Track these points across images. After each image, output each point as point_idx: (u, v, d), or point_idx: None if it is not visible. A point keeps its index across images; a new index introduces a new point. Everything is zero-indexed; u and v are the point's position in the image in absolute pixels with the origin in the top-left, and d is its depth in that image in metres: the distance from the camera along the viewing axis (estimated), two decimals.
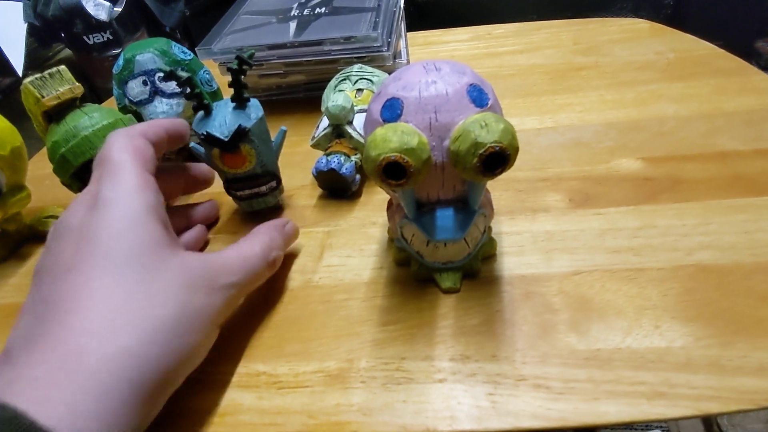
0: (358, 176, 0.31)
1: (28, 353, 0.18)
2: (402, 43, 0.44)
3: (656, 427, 0.87)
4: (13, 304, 0.29)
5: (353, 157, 0.31)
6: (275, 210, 0.32)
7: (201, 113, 0.27)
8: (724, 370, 0.20)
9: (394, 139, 0.19)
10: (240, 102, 0.27)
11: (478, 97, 0.20)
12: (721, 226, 0.26)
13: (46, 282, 0.20)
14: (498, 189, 0.30)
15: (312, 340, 0.24)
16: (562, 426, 0.19)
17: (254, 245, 0.24)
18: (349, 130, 0.31)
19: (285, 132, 0.30)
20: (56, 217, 0.33)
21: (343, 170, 0.30)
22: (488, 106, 0.21)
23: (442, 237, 0.22)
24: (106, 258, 0.20)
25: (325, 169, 0.30)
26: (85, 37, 0.90)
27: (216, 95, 0.36)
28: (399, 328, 0.24)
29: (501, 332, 0.23)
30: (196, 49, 0.38)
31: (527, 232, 0.27)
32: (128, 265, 0.20)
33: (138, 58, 0.30)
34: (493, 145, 0.18)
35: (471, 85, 0.21)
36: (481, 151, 0.18)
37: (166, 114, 0.31)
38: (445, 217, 0.22)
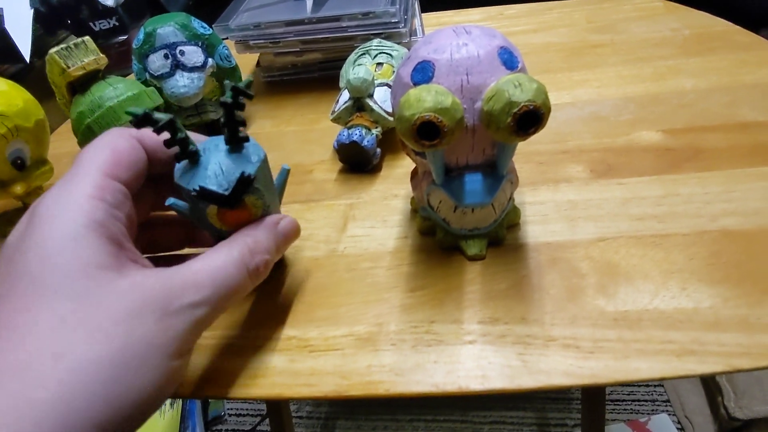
0: (378, 150, 0.32)
1: None
2: (417, 21, 0.44)
3: (663, 411, 0.88)
4: None
5: (374, 130, 0.31)
6: None
7: (185, 162, 0.21)
8: (753, 327, 0.20)
9: (429, 98, 0.19)
10: (236, 143, 0.21)
11: (509, 59, 0.21)
12: (745, 193, 0.26)
13: None
14: (519, 161, 0.30)
15: (340, 306, 0.24)
16: (593, 383, 0.19)
17: (231, 251, 0.20)
18: (370, 103, 0.31)
19: (288, 172, 0.25)
20: None
21: (365, 142, 0.30)
22: (518, 68, 0.21)
23: (471, 201, 0.23)
24: (33, 285, 0.17)
25: (347, 142, 0.30)
26: (90, 24, 0.89)
27: (234, 72, 0.36)
28: (426, 293, 0.24)
29: (529, 296, 0.23)
30: (212, 25, 0.38)
31: (550, 202, 0.28)
32: (58, 294, 0.16)
33: (159, 31, 0.31)
34: (527, 103, 0.18)
35: (502, 47, 0.21)
36: (515, 110, 0.19)
37: (187, 88, 0.31)
38: (473, 181, 0.23)
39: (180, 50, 0.31)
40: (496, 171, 0.23)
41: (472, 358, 0.21)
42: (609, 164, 0.29)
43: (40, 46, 0.91)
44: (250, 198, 0.21)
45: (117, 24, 0.93)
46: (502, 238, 0.25)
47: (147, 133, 0.20)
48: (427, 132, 0.19)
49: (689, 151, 0.29)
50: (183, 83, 0.31)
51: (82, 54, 0.27)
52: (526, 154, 0.31)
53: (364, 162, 0.31)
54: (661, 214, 0.26)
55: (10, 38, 0.80)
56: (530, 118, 0.19)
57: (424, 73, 0.21)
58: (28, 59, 0.77)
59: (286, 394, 0.21)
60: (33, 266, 0.17)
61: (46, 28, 0.92)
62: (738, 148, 0.29)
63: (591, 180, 0.29)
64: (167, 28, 0.31)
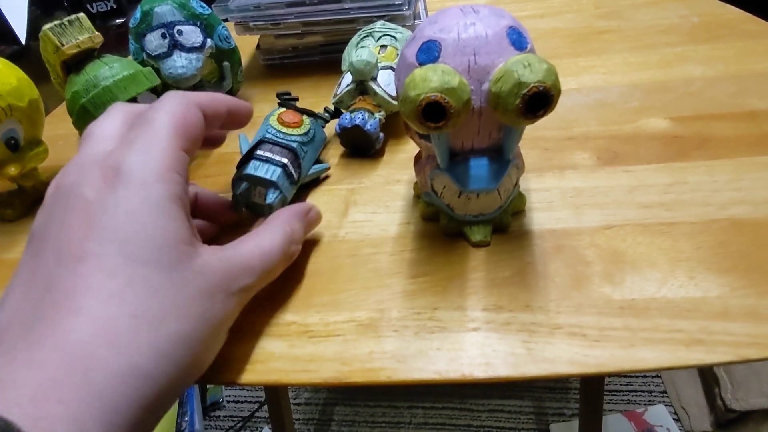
0: (381, 134, 0.31)
1: (26, 347, 0.15)
2: (420, 5, 0.43)
3: (659, 402, 0.88)
4: None
5: (377, 114, 0.30)
6: None
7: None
8: (762, 318, 0.20)
9: (435, 78, 0.18)
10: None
11: (518, 39, 0.20)
12: (754, 182, 0.25)
13: (48, 260, 0.17)
14: (524, 147, 0.30)
15: (341, 291, 0.23)
16: (599, 372, 0.19)
17: (275, 237, 0.21)
18: (373, 86, 0.30)
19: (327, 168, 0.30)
20: None
21: (368, 126, 0.29)
22: (527, 49, 0.20)
23: (476, 187, 0.22)
24: (121, 253, 0.17)
25: (349, 126, 0.30)
26: (87, 6, 0.88)
27: (234, 53, 0.35)
28: (429, 280, 0.23)
29: (534, 283, 0.22)
30: (212, 6, 0.37)
31: (556, 189, 0.27)
32: (146, 265, 0.17)
33: (156, 10, 0.30)
34: (537, 84, 0.18)
35: (510, 27, 0.20)
36: (524, 92, 0.18)
37: (185, 69, 0.30)
38: (479, 166, 0.22)
39: (178, 30, 0.30)
40: (502, 156, 0.22)
41: (475, 346, 0.20)
42: (615, 151, 0.29)
43: (36, 28, 0.90)
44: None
45: (114, 6, 0.91)
46: (506, 225, 0.25)
47: (207, 106, 0.21)
48: (433, 113, 0.19)
49: (697, 139, 0.29)
50: (181, 64, 0.30)
51: (76, 31, 0.26)
52: (531, 140, 0.31)
53: (366, 146, 0.31)
54: (668, 202, 0.25)
55: (5, 19, 0.78)
56: (540, 100, 0.18)
57: (429, 53, 0.20)
58: (23, 41, 0.76)
59: (285, 380, 0.20)
60: (124, 231, 0.17)
61: (43, 9, 0.91)
62: (746, 136, 0.28)
63: (597, 167, 0.28)
64: (164, 6, 0.30)
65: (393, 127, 0.33)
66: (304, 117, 0.28)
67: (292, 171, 0.26)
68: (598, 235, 0.24)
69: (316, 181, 0.30)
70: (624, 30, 0.41)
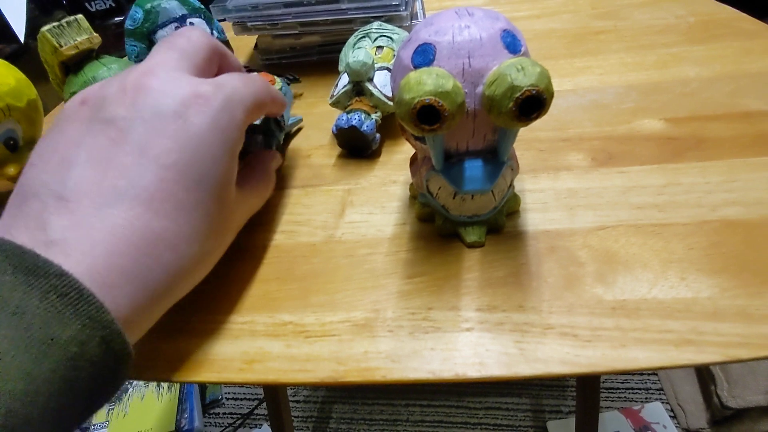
0: (378, 135, 0.31)
1: (99, 226, 0.18)
2: (418, 5, 0.43)
3: (656, 399, 0.89)
4: None
5: (374, 115, 0.31)
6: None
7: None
8: (752, 318, 0.20)
9: (429, 82, 0.18)
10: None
11: (512, 42, 0.20)
12: (747, 183, 0.26)
13: (129, 153, 0.19)
14: (519, 148, 0.30)
15: (337, 291, 0.24)
16: (590, 372, 0.19)
17: (270, 183, 0.27)
18: (370, 87, 0.30)
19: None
20: None
21: (364, 127, 0.30)
22: (521, 52, 0.20)
23: (471, 188, 0.22)
24: (199, 174, 0.20)
25: (346, 126, 0.30)
26: (86, 4, 0.88)
27: (228, 45, 0.35)
28: (424, 280, 0.24)
29: (527, 284, 0.23)
30: (210, 6, 0.37)
31: (550, 190, 0.27)
32: (210, 193, 0.20)
33: (164, 6, 0.30)
34: (529, 88, 0.18)
35: (505, 30, 0.20)
36: (517, 95, 0.18)
37: None
38: (473, 167, 0.22)
39: (189, 22, 0.31)
40: (496, 157, 0.23)
41: (469, 346, 0.21)
42: (610, 152, 0.29)
43: (35, 27, 0.90)
44: None
45: (113, 4, 0.91)
46: (501, 226, 0.25)
47: (263, 98, 0.24)
48: (428, 116, 0.19)
49: (691, 141, 0.29)
50: None
51: (74, 33, 0.26)
52: (526, 141, 0.31)
53: (363, 147, 0.31)
54: (661, 203, 0.25)
55: (4, 18, 0.78)
56: (533, 103, 0.18)
57: (425, 55, 0.20)
58: (22, 39, 0.76)
59: (282, 380, 0.21)
60: (203, 158, 0.20)
61: (42, 8, 0.91)
62: (741, 137, 0.29)
63: (591, 168, 0.28)
64: (172, 2, 0.30)
65: (389, 128, 0.33)
66: (275, 77, 0.32)
67: (279, 119, 0.30)
68: (591, 236, 0.24)
69: (313, 182, 0.30)
70: (620, 30, 0.42)
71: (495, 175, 0.22)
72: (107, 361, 0.17)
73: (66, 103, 0.21)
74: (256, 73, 0.26)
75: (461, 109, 0.19)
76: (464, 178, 0.22)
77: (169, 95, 0.20)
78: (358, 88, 0.31)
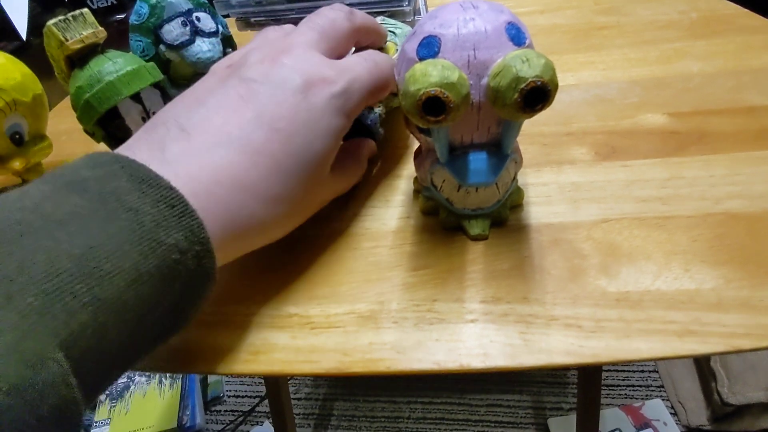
0: (381, 129, 0.31)
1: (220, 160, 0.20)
2: (420, 1, 0.43)
3: (656, 396, 0.89)
4: None
5: (377, 109, 0.31)
6: None
7: None
8: (756, 309, 0.20)
9: (435, 73, 0.18)
10: None
11: (517, 35, 0.20)
12: (750, 177, 0.26)
13: (261, 95, 0.21)
14: (523, 143, 0.30)
15: (342, 284, 0.24)
16: (594, 362, 0.20)
17: (362, 168, 0.28)
18: None
19: None
20: None
21: (368, 121, 0.30)
22: (526, 44, 0.20)
23: (475, 181, 0.22)
24: (297, 138, 0.21)
25: None
26: (88, 2, 0.88)
27: (232, 39, 0.35)
28: (429, 272, 0.24)
29: (531, 276, 0.23)
30: (214, 2, 0.37)
31: (553, 183, 0.27)
32: (297, 160, 0.22)
33: (170, 0, 0.30)
34: (534, 79, 0.18)
35: (509, 23, 0.20)
36: (522, 86, 0.18)
37: (212, 52, 0.31)
38: (478, 160, 0.22)
39: (196, 16, 0.31)
40: (500, 150, 0.23)
41: (473, 337, 0.21)
42: (613, 146, 0.29)
43: (37, 24, 0.90)
44: None
45: (115, 2, 0.91)
46: (505, 219, 0.25)
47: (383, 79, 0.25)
48: (433, 108, 0.19)
49: (694, 135, 0.29)
50: (207, 48, 0.31)
51: (80, 27, 0.26)
52: (530, 135, 0.31)
53: None
54: (665, 196, 0.26)
55: (6, 15, 0.78)
56: (538, 95, 0.18)
57: (429, 48, 0.20)
58: (24, 37, 0.76)
59: (287, 371, 0.21)
60: (295, 129, 0.21)
61: (43, 6, 0.91)
62: (744, 131, 0.29)
63: (595, 162, 0.28)
64: None
65: (393, 122, 0.33)
66: None
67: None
68: (594, 229, 0.24)
69: None
70: (623, 25, 0.42)
71: (499, 168, 0.22)
72: (197, 276, 0.18)
73: (216, 63, 0.25)
74: (386, 55, 0.26)
75: (466, 101, 0.19)
76: (469, 170, 0.22)
77: (297, 73, 0.22)
78: None
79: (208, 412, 0.97)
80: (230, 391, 1.00)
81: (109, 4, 0.88)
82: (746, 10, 0.41)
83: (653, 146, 0.29)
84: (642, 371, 0.92)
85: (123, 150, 0.20)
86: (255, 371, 0.21)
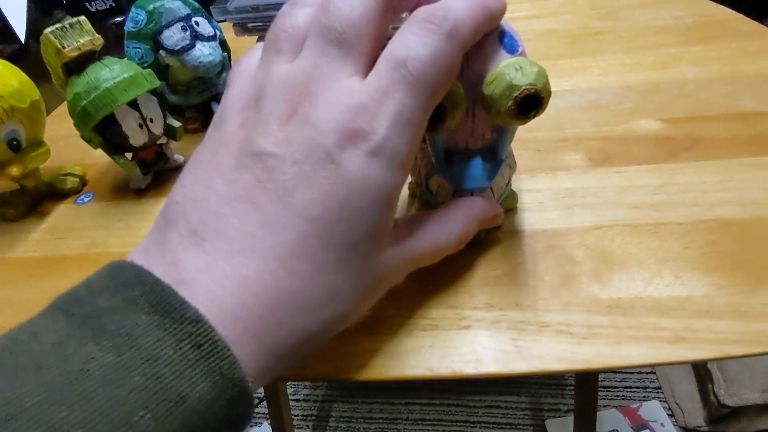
0: None
1: (230, 274, 0.16)
2: None
3: (654, 398, 0.89)
4: (35, 258, 0.29)
5: None
6: None
7: None
8: (747, 316, 0.20)
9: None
10: None
11: (509, 43, 0.20)
12: (742, 183, 0.26)
13: (270, 196, 0.17)
14: (517, 148, 0.30)
15: None
16: (586, 369, 0.20)
17: (452, 234, 0.21)
18: None
19: None
20: (74, 175, 0.33)
21: None
22: (519, 52, 0.21)
23: (470, 186, 0.23)
24: (341, 234, 0.17)
25: None
26: (87, 4, 0.88)
27: (225, 45, 0.36)
28: (422, 278, 0.24)
29: (524, 282, 0.23)
30: (210, 8, 0.38)
31: (548, 190, 0.28)
32: (352, 249, 0.17)
33: (168, 6, 0.31)
34: (528, 87, 0.18)
35: (502, 31, 0.20)
36: (516, 94, 0.19)
37: (213, 56, 0.31)
38: (472, 166, 0.23)
39: (195, 21, 0.31)
40: (495, 155, 0.23)
41: (466, 343, 0.21)
42: (607, 153, 0.29)
43: (35, 28, 0.90)
44: None
45: (114, 4, 0.91)
46: (499, 224, 0.25)
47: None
48: (434, 116, 0.19)
49: (688, 141, 0.29)
50: (208, 52, 0.31)
51: (77, 34, 0.27)
52: (524, 141, 0.31)
53: None
54: (658, 202, 0.26)
55: (5, 18, 0.79)
56: (531, 102, 0.19)
57: None
58: (23, 40, 0.76)
59: (282, 376, 0.21)
60: (350, 212, 0.17)
61: (42, 8, 0.91)
62: (737, 138, 0.29)
63: (589, 168, 0.29)
64: (175, 2, 0.31)
65: None
66: None
67: None
68: (587, 236, 0.25)
69: None
70: (619, 31, 0.42)
71: (493, 173, 0.23)
72: (227, 423, 0.15)
73: (225, 115, 0.19)
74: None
75: (461, 109, 0.19)
76: (463, 176, 0.23)
77: (326, 130, 0.17)
78: None
79: None
80: None
81: (108, 7, 0.88)
82: (742, 15, 0.41)
83: (647, 152, 0.29)
84: (639, 373, 0.93)
85: (140, 256, 0.17)
86: None
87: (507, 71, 0.19)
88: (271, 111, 0.18)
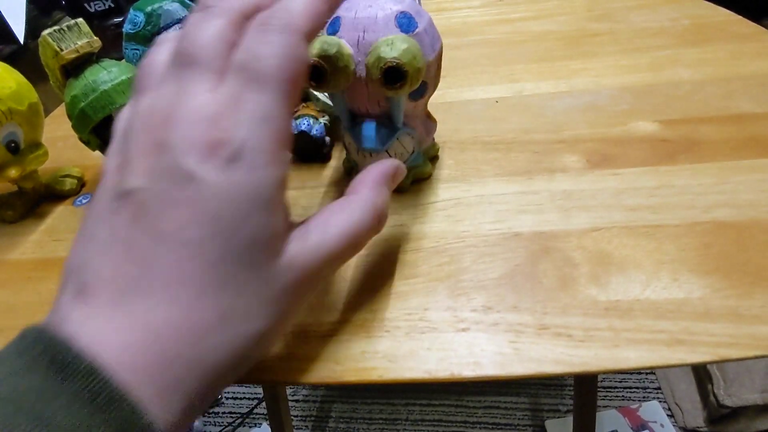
0: (328, 138, 0.32)
1: (122, 317, 0.16)
2: None
3: (653, 398, 0.89)
4: (34, 259, 0.29)
5: (321, 119, 0.31)
6: None
7: None
8: (743, 318, 0.20)
9: (317, 46, 0.22)
10: None
11: (406, 23, 0.23)
12: (738, 185, 0.26)
13: (146, 232, 0.16)
14: (514, 150, 0.31)
15: (334, 293, 0.24)
16: (583, 371, 0.20)
17: (364, 215, 0.20)
18: (316, 93, 0.31)
19: None
20: (73, 177, 0.33)
21: (314, 132, 0.30)
22: (414, 32, 0.23)
23: (365, 146, 0.26)
24: (222, 246, 0.16)
25: (296, 132, 0.30)
26: (86, 5, 0.88)
27: None
28: (420, 281, 0.24)
29: (522, 285, 0.23)
30: None
31: (545, 191, 0.28)
32: (240, 262, 0.16)
33: (167, 8, 0.30)
34: (392, 60, 0.21)
35: (402, 12, 0.23)
36: (381, 65, 0.22)
37: None
38: (369, 128, 0.26)
39: None
40: (392, 122, 0.25)
41: (464, 346, 0.21)
42: (604, 154, 0.29)
43: (34, 28, 0.90)
44: None
45: (113, 5, 0.91)
46: (404, 188, 0.28)
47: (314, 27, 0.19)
48: (316, 75, 0.23)
49: (684, 143, 0.29)
50: None
51: (75, 36, 0.27)
52: (521, 143, 0.31)
53: (314, 152, 0.32)
54: (654, 204, 0.26)
55: (4, 19, 0.78)
56: (396, 74, 0.22)
57: (333, 26, 0.24)
58: (22, 40, 0.76)
59: (281, 379, 0.21)
60: (228, 222, 0.16)
61: (41, 9, 0.91)
62: (732, 139, 0.29)
63: (586, 170, 0.29)
64: (174, 4, 0.31)
65: (338, 131, 0.33)
66: None
67: None
68: (585, 238, 0.25)
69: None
70: (615, 33, 0.42)
71: (388, 139, 0.25)
72: None
73: (106, 165, 0.18)
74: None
75: (345, 72, 0.22)
76: (362, 136, 0.25)
77: (185, 149, 0.16)
78: (303, 94, 0.31)
79: (205, 414, 0.97)
80: (228, 393, 1.00)
81: (107, 7, 0.88)
82: (738, 16, 0.41)
83: (643, 154, 0.29)
84: (639, 373, 0.93)
85: (53, 311, 0.16)
86: (249, 379, 0.21)
87: (380, 45, 0.22)
88: (135, 147, 0.17)
